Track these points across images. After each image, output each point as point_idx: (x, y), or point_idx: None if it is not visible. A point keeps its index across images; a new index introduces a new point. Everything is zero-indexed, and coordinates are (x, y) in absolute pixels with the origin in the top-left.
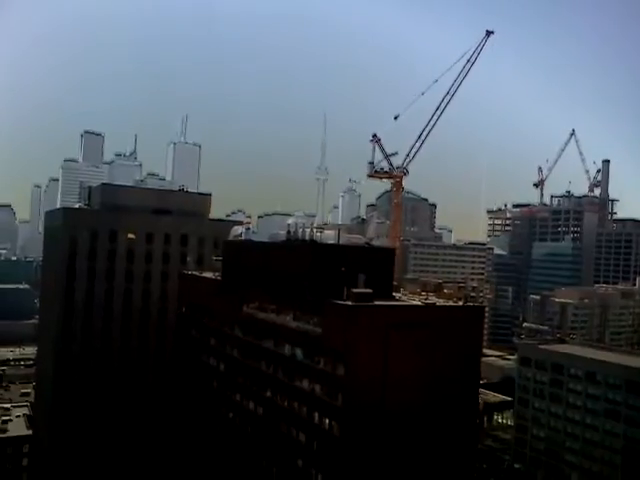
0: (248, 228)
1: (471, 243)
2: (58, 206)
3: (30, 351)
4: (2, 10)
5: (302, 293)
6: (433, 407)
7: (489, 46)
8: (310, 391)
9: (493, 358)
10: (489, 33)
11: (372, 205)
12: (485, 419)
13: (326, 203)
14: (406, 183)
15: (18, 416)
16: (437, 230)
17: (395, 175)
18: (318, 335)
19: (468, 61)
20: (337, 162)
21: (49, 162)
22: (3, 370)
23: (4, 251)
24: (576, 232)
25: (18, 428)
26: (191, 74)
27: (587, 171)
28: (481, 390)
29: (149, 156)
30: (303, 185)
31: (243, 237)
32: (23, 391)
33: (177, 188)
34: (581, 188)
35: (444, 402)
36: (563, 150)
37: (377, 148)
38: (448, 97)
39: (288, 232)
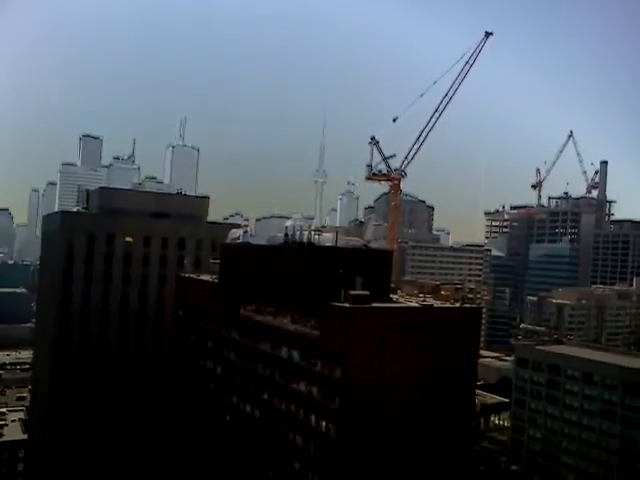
0: (246, 231)
1: (469, 245)
2: (56, 210)
3: (26, 355)
4: (2, 10)
5: (299, 295)
6: (430, 409)
7: (488, 47)
8: (307, 394)
9: (490, 359)
10: (488, 34)
11: (370, 207)
12: (482, 420)
13: (324, 206)
14: (404, 185)
15: (14, 420)
16: (435, 232)
17: (393, 178)
18: (315, 337)
19: (467, 63)
20: (335, 164)
21: (47, 166)
22: None
23: (1, 255)
24: (573, 233)
25: (14, 432)
26: (190, 75)
27: (585, 172)
28: (478, 391)
29: (147, 159)
30: (301, 187)
31: (241, 240)
32: (19, 395)
33: (175, 191)
34: (579, 189)
35: (441, 404)
36: (561, 152)
37: (375, 150)
38: (447, 99)
39: (286, 235)
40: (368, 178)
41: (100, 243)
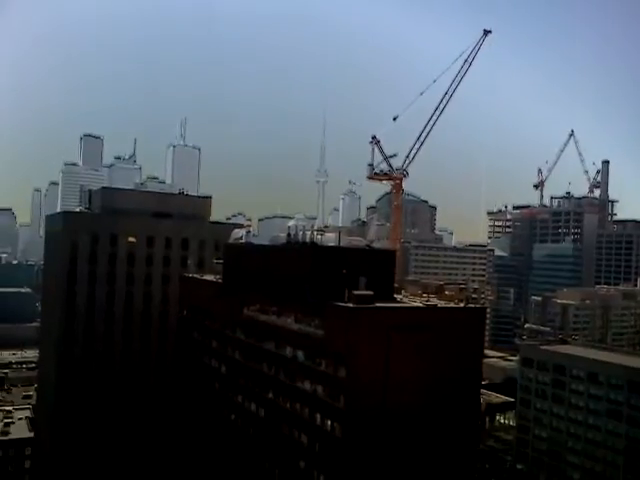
0: (249, 231)
1: (472, 245)
2: (58, 210)
3: (32, 354)
4: (2, 10)
5: (303, 295)
6: (435, 408)
7: (487, 45)
8: (312, 393)
9: (495, 359)
10: (487, 32)
11: (372, 207)
12: (487, 420)
13: (326, 205)
14: (406, 185)
15: (20, 419)
16: (438, 232)
17: (395, 177)
18: (319, 337)
19: (466, 61)
20: (337, 164)
21: (50, 165)
22: (5, 373)
23: (5, 255)
24: (576, 233)
25: (20, 431)
26: (190, 75)
27: (587, 172)
28: (483, 391)
29: (149, 159)
30: (303, 187)
31: (244, 240)
32: (25, 394)
33: (177, 191)
34: (581, 189)
35: (446, 403)
36: (562, 151)
37: (377, 150)
38: (447, 97)
39: (289, 235)
40: (370, 177)
41: (103, 243)
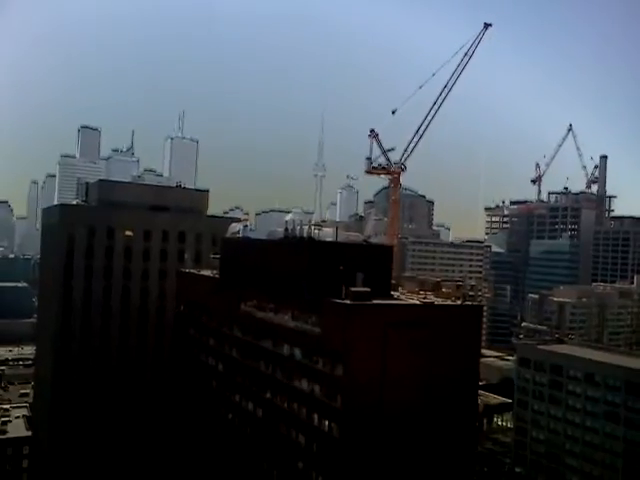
0: (246, 225)
1: (469, 241)
2: (55, 202)
3: (29, 351)
4: (2, 10)
5: (300, 292)
6: (432, 408)
7: (487, 39)
8: (309, 392)
9: (492, 359)
10: (487, 25)
11: (370, 202)
12: (485, 421)
13: (324, 200)
14: (404, 179)
15: (17, 417)
16: (435, 227)
17: (393, 171)
18: (316, 335)
19: (466, 54)
20: (335, 158)
21: (46, 158)
22: (2, 370)
23: (1, 249)
24: (574, 229)
25: (18, 429)
26: (189, 72)
27: (584, 167)
28: (481, 392)
29: (146, 152)
30: (301, 182)
31: (241, 234)
32: (22, 391)
33: (174, 184)
34: (579, 184)
35: (443, 403)
36: (560, 146)
37: (375, 144)
38: (446, 91)
39: (286, 229)
40: (368, 172)
41: (100, 236)
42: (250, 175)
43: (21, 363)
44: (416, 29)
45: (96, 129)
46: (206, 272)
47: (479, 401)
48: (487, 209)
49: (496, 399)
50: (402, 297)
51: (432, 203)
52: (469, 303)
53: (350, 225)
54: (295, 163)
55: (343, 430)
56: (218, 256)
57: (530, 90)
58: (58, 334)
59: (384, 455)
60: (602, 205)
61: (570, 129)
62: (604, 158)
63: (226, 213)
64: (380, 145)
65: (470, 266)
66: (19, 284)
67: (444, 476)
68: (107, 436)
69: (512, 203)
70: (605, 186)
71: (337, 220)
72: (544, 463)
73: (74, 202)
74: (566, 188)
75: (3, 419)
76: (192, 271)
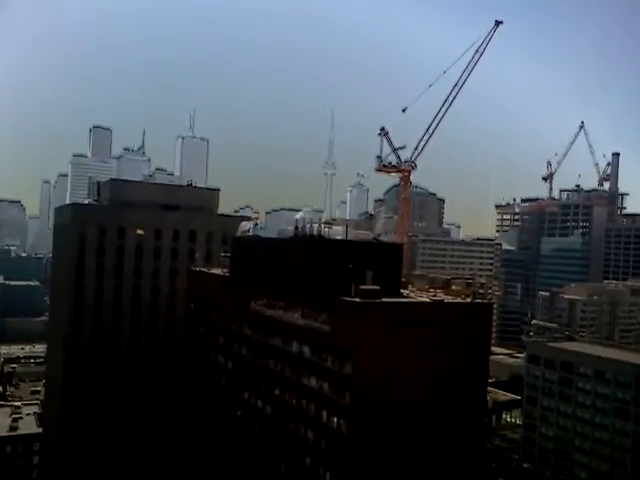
0: (256, 224)
1: (479, 239)
2: (67, 201)
3: (40, 348)
4: (4, 9)
5: (310, 290)
6: (441, 405)
7: (498, 36)
8: (318, 389)
9: (502, 356)
10: (498, 23)
11: (380, 200)
12: (494, 418)
13: (334, 198)
14: (414, 177)
15: (29, 414)
16: (445, 225)
17: (403, 169)
18: (326, 332)
19: (477, 51)
20: (345, 156)
21: (59, 157)
22: (13, 368)
23: (14, 247)
24: (585, 227)
25: (29, 426)
26: (199, 70)
27: (596, 164)
28: (490, 389)
29: (157, 151)
30: (311, 180)
31: (251, 233)
32: (33, 389)
33: (185, 183)
34: (591, 182)
35: (452, 400)
36: (572, 143)
37: (385, 142)
38: (456, 89)
39: (296, 228)
40: (378, 170)
41: (111, 235)
42: (260, 174)
43: (32, 361)
44: (426, 27)
45: (107, 129)
46: (216, 271)
47: (488, 398)
48: (498, 207)
49: (505, 396)
50: (412, 295)
51: (442, 201)
52: (479, 301)
53: (360, 223)
54: (305, 161)
55: (352, 427)
56: (228, 255)
57: (541, 88)
58: (69, 332)
59: (393, 452)
60: (614, 203)
61: (582, 126)
62: (616, 155)
63: (236, 212)
64: (390, 143)
65: (480, 264)
66: (31, 283)
67: (453, 472)
68: (117, 433)
69: (523, 201)
70: (617, 183)
71: (347, 218)
72: (552, 459)
73: (86, 201)
74: (578, 185)
75: (14, 416)
76: (202, 270)
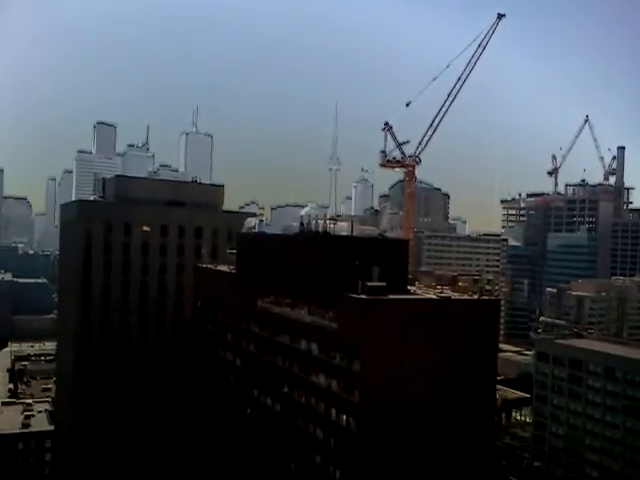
0: (261, 220)
1: (485, 234)
2: (73, 198)
3: (50, 346)
4: (4, 9)
5: (317, 286)
6: (450, 403)
7: (500, 30)
8: (327, 387)
9: (510, 353)
10: (500, 16)
11: (385, 196)
12: (503, 416)
13: (339, 193)
14: (419, 172)
15: (40, 411)
16: (451, 221)
17: (407, 164)
18: (333, 330)
19: (480, 45)
20: (350, 152)
21: (65, 154)
22: (24, 365)
23: (21, 245)
24: (591, 222)
25: (40, 423)
26: (202, 66)
27: (602, 158)
28: (499, 386)
29: (161, 147)
30: (316, 175)
31: (256, 229)
32: (44, 386)
33: (190, 179)
34: (596, 176)
35: (461, 398)
36: (577, 137)
37: (389, 137)
38: (460, 83)
39: (301, 224)
40: (382, 165)
41: (117, 232)
42: (265, 169)
43: (43, 358)
44: (430, 21)
45: (112, 125)
46: (223, 267)
47: (497, 396)
48: (503, 202)
49: (514, 394)
50: (419, 292)
51: (448, 196)
52: (486, 297)
53: (365, 219)
54: (310, 156)
55: (361, 425)
56: (234, 251)
57: (545, 82)
58: (78, 330)
59: (402, 449)
60: (620, 197)
61: (587, 120)
62: (622, 149)
63: (242, 208)
64: (394, 138)
65: (487, 260)
66: (39, 280)
67: (463, 471)
68: (128, 430)
69: (529, 195)
70: (623, 178)
71: (352, 214)
72: (563, 457)
73: (91, 198)
74: (583, 180)
75: (26, 413)
76: (209, 266)
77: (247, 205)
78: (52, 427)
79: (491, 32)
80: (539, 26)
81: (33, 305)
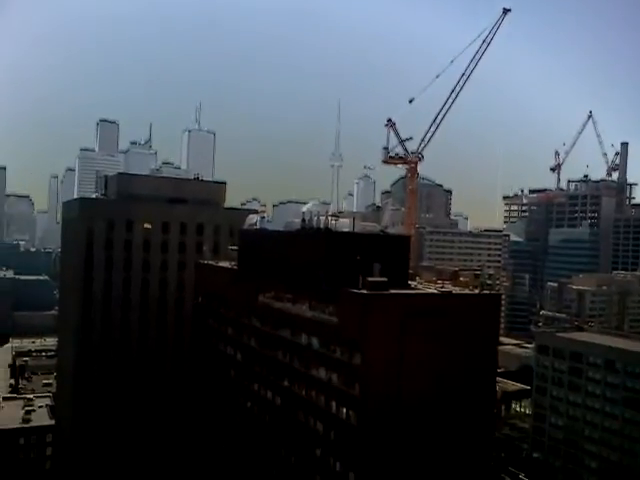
0: (263, 217)
1: (487, 230)
2: (75, 196)
3: (51, 342)
4: (5, 9)
5: (318, 282)
6: (450, 396)
7: (506, 25)
8: (327, 380)
9: (510, 346)
10: (506, 11)
11: (387, 192)
12: (503, 408)
13: (341, 190)
14: (421, 169)
15: (41, 406)
16: (453, 217)
17: (410, 160)
18: (334, 324)
19: (484, 41)
20: (352, 148)
21: (67, 152)
22: (25, 361)
23: (23, 242)
24: (593, 218)
25: (41, 418)
26: (205, 63)
27: (605, 154)
28: (499, 379)
29: (164, 144)
30: (318, 172)
31: (258, 226)
32: (45, 382)
33: (192, 176)
34: (599, 172)
35: (461, 390)
36: (580, 133)
37: (392, 133)
38: (464, 79)
39: (303, 220)
40: (385, 161)
41: (119, 229)
42: (267, 166)
43: (44, 354)
44: (434, 17)
45: (114, 122)
46: (224, 264)
47: (497, 388)
48: (505, 198)
49: (514, 386)
50: (420, 287)
51: (450, 192)
52: (487, 292)
53: (367, 215)
54: (312, 153)
55: (361, 418)
56: (236, 248)
57: (548, 79)
58: (79, 326)
59: (402, 442)
60: (622, 193)
61: (590, 116)
62: (625, 145)
63: (243, 205)
64: (397, 134)
65: (489, 255)
66: (41, 277)
67: (463, 462)
68: (128, 425)
69: (531, 191)
70: (626, 173)
71: (354, 210)
72: (562, 448)
73: (94, 195)
74: (586, 176)
75: (27, 408)
76: (210, 263)
77: (249, 202)
78: (53, 422)
79: (496, 27)
80: (543, 21)
81: (34, 302)
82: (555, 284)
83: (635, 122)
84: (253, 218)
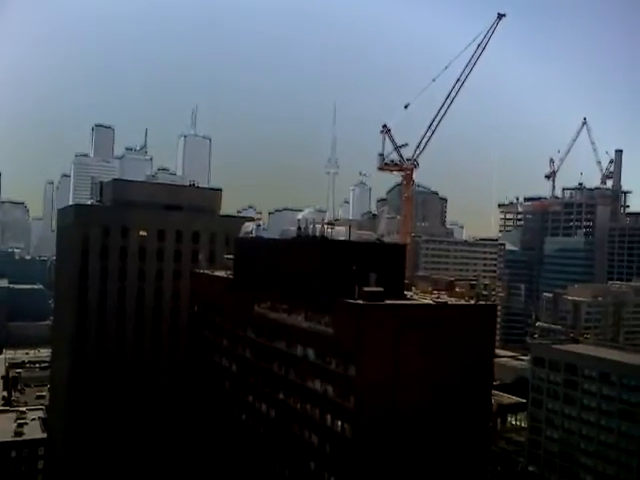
0: (259, 225)
1: (482, 239)
2: (70, 202)
3: (45, 353)
4: (4, 9)
5: (313, 292)
6: (446, 408)
7: (500, 30)
8: (322, 393)
9: (506, 359)
10: (500, 16)
11: (383, 199)
12: (499, 421)
13: (337, 197)
14: (416, 176)
15: (34, 419)
16: (448, 225)
17: (405, 167)
18: (330, 335)
19: (479, 46)
20: (348, 155)
21: (62, 157)
22: (19, 373)
23: (18, 250)
24: (588, 226)
25: (34, 431)
26: (200, 67)
27: (599, 162)
28: (494, 391)
29: (159, 149)
30: (314, 179)
31: (254, 234)
32: (38, 394)
33: (188, 183)
34: (594, 180)
35: (457, 403)
36: (575, 140)
37: (387, 139)
38: (459, 84)
39: (299, 228)
40: (380, 168)
41: (115, 236)
42: (263, 169)
43: (37, 366)
44: (429, 22)
45: (109, 127)
46: (220, 272)
47: (493, 401)
48: (501, 206)
49: (510, 399)
50: (415, 297)
51: (445, 200)
52: (483, 303)
53: (363, 223)
54: (308, 158)
55: (356, 430)
56: (232, 256)
57: (543, 84)
58: (74, 336)
59: (397, 455)
60: (617, 201)
61: (584, 123)
62: (619, 152)
63: (239, 212)
64: (393, 141)
65: (484, 265)
66: (35, 286)
67: (458, 475)
68: (122, 437)
69: (526, 200)
70: (620, 181)
71: (350, 218)
72: (558, 462)
73: (89, 202)
74: (581, 184)
75: (20, 421)
76: (206, 272)
77: (245, 209)
78: (45, 435)
79: (491, 32)
80: (538, 27)
81: (29, 311)
82: (550, 295)
83: (629, 127)
84: (249, 226)
